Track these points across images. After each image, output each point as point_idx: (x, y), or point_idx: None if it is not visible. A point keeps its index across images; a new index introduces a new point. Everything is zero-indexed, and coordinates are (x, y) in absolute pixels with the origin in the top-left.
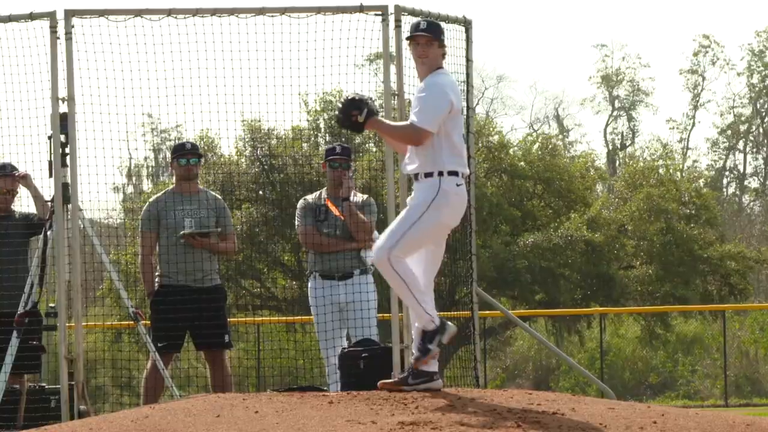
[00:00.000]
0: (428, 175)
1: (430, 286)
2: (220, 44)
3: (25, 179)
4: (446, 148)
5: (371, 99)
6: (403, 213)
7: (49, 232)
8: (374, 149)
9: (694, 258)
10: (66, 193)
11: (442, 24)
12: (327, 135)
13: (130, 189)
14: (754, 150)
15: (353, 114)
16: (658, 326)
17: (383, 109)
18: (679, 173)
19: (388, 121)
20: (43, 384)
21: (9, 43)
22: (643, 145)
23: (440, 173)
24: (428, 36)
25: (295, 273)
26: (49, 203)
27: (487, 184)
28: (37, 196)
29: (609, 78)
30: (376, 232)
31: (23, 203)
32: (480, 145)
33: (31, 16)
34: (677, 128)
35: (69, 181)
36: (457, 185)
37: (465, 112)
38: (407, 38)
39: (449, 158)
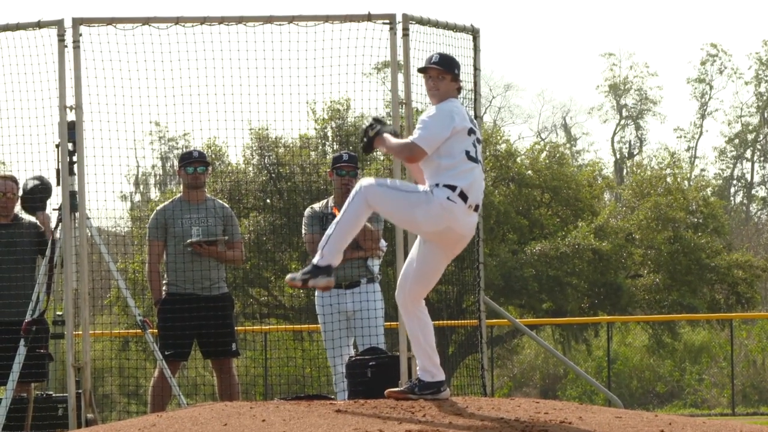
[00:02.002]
0: (429, 187)
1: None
2: (228, 52)
3: None
4: (449, 168)
5: (388, 122)
6: None
7: (56, 240)
8: (382, 158)
9: (702, 267)
10: (74, 201)
11: (455, 56)
12: (335, 143)
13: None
14: (762, 159)
15: (368, 131)
16: (666, 335)
17: (391, 117)
18: (686, 182)
19: (392, 139)
20: (51, 392)
21: (17, 52)
22: (651, 154)
23: (436, 184)
24: (440, 69)
25: None
26: (56, 211)
27: (494, 192)
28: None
29: (617, 87)
30: (383, 241)
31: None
32: (488, 153)
33: (39, 25)
34: (685, 137)
35: (77, 189)
36: (449, 198)
37: (476, 133)
38: (419, 70)
39: (450, 175)
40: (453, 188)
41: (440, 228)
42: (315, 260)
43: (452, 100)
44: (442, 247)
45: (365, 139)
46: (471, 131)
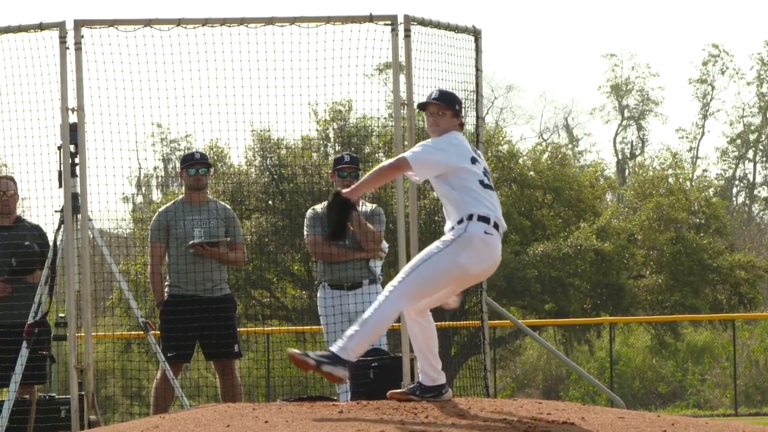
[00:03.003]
0: (459, 222)
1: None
2: (230, 54)
3: None
4: (469, 197)
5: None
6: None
7: (58, 242)
8: (384, 158)
9: (704, 267)
10: (76, 203)
11: (458, 94)
12: (336, 144)
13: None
14: (764, 159)
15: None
16: (668, 335)
17: (393, 119)
18: (688, 182)
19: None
20: (53, 394)
21: (19, 54)
22: (653, 155)
23: (469, 216)
24: (440, 105)
25: (304, 283)
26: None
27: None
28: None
29: (618, 87)
30: (385, 242)
31: (32, 213)
32: (489, 154)
33: (41, 27)
34: (687, 137)
35: (79, 191)
36: (486, 232)
37: (481, 161)
38: (419, 106)
39: (476, 204)
40: (487, 220)
41: (489, 264)
42: (335, 349)
43: (453, 133)
44: (476, 279)
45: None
46: (474, 160)
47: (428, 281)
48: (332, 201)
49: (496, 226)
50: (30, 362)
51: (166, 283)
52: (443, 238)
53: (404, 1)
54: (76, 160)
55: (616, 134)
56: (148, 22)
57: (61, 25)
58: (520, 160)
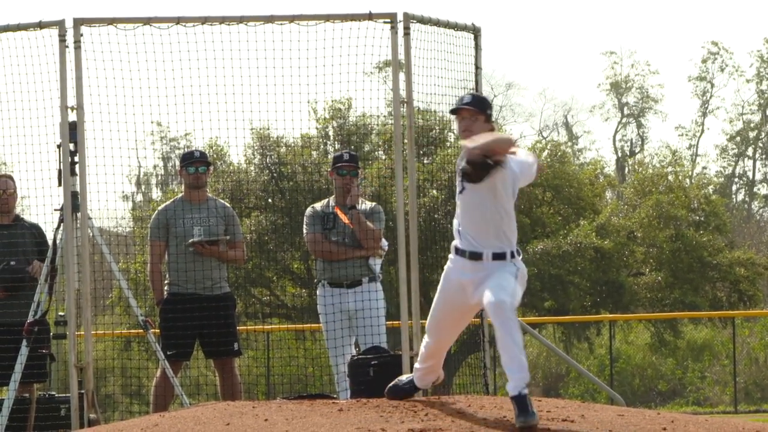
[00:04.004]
0: (512, 255)
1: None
2: (229, 52)
3: None
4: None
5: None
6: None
7: (58, 240)
8: (383, 157)
9: (704, 265)
10: (75, 201)
11: (485, 96)
12: (336, 143)
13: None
14: (764, 156)
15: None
16: (668, 333)
17: (392, 117)
18: (688, 180)
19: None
20: (53, 393)
21: (18, 52)
22: (652, 152)
23: (518, 252)
24: (473, 110)
25: (304, 281)
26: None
27: None
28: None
29: (618, 85)
30: (384, 240)
31: (32, 212)
32: None
33: (40, 25)
34: (686, 135)
35: (78, 189)
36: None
37: None
38: (451, 111)
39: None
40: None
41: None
42: (513, 391)
43: None
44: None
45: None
46: None
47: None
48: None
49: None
50: (30, 361)
51: (166, 282)
52: (508, 270)
53: None
54: (76, 159)
55: (616, 132)
56: (147, 21)
57: (60, 24)
58: None
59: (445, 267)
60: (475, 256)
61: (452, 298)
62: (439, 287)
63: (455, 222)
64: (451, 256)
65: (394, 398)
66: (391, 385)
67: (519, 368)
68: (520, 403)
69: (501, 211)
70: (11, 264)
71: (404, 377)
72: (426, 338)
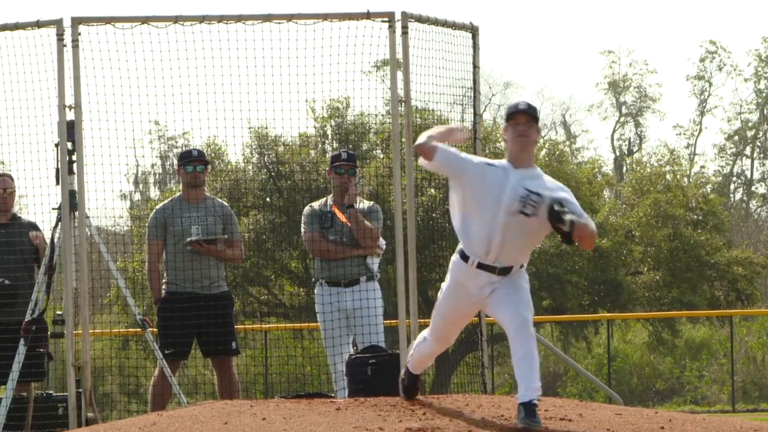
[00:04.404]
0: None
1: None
2: (227, 51)
3: None
4: None
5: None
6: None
7: (56, 239)
8: (381, 155)
9: (702, 264)
10: (73, 200)
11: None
12: (334, 141)
13: (137, 196)
14: (762, 156)
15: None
16: (666, 332)
17: (390, 116)
18: (686, 179)
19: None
20: (51, 391)
21: (16, 51)
22: (650, 151)
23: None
24: (529, 115)
25: (302, 280)
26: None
27: None
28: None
29: (616, 84)
30: (382, 239)
31: (30, 211)
32: (487, 151)
33: (38, 24)
34: (684, 134)
35: (76, 188)
36: None
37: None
38: (508, 118)
39: None
40: None
41: None
42: (526, 398)
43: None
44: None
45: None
46: None
47: None
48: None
49: None
50: (27, 360)
51: (164, 281)
52: (523, 279)
53: None
54: (74, 158)
55: (614, 131)
56: (145, 20)
57: (58, 23)
58: None
59: (453, 270)
60: (492, 270)
61: (464, 304)
62: (447, 292)
63: (472, 228)
64: (457, 259)
65: (411, 396)
66: (401, 388)
67: (537, 380)
68: (530, 408)
69: (537, 241)
70: (5, 283)
71: (402, 374)
72: (429, 340)
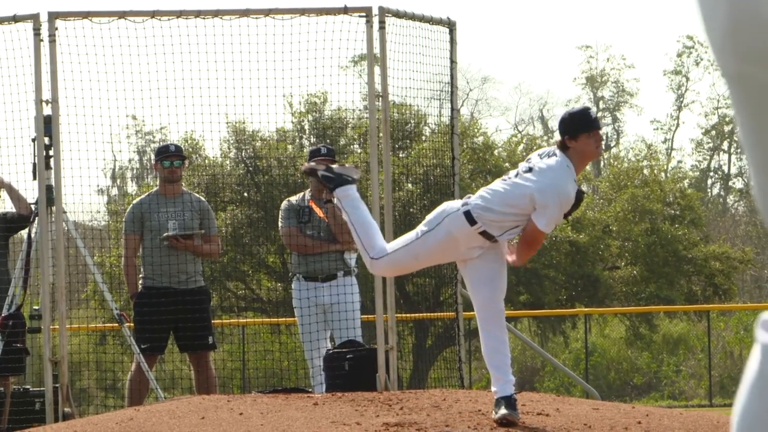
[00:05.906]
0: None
1: None
2: (205, 46)
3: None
4: None
5: None
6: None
7: (33, 234)
8: (359, 150)
9: (679, 258)
10: (50, 195)
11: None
12: (312, 136)
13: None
14: (739, 150)
15: None
16: (643, 327)
17: (368, 111)
18: (663, 174)
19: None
20: (28, 386)
21: None
22: (628, 146)
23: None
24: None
25: (279, 275)
26: (33, 205)
27: (471, 185)
28: (20, 198)
29: (593, 79)
30: None
31: (6, 206)
32: (465, 146)
33: (15, 19)
34: (661, 129)
35: (53, 183)
36: None
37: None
38: (590, 129)
39: None
40: None
41: None
42: (507, 392)
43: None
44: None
45: None
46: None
47: None
48: None
49: None
50: (5, 354)
51: (140, 275)
52: (505, 249)
53: None
54: (51, 153)
55: None
56: (122, 14)
57: (35, 17)
58: (496, 152)
59: (448, 225)
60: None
61: (446, 257)
62: (433, 240)
63: (498, 202)
64: (460, 216)
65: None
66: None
67: (510, 370)
68: (510, 402)
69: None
70: None
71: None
72: (385, 255)
